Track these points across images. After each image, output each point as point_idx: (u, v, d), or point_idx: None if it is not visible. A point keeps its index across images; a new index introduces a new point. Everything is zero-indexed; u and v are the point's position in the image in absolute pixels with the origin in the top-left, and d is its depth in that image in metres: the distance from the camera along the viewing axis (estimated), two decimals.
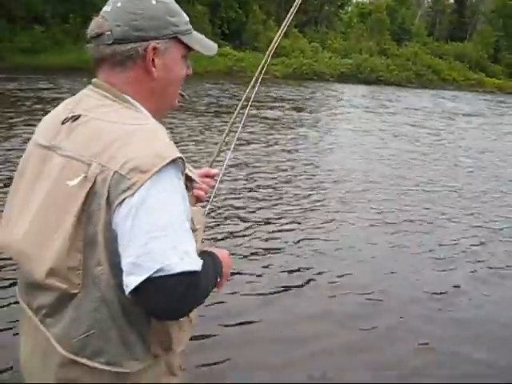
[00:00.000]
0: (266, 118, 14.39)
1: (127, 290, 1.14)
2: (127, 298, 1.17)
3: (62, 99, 1.47)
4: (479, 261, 5.61)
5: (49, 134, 1.33)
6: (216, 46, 1.50)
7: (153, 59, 1.30)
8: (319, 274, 4.93)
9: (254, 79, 1.91)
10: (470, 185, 9.02)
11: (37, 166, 1.32)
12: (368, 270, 5.15)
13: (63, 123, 1.29)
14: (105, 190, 1.16)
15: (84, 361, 1.25)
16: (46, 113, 1.45)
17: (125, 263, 1.14)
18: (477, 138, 14.68)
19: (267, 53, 1.95)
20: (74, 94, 1.41)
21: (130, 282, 1.13)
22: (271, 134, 12.09)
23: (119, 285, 1.17)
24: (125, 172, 1.15)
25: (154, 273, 1.11)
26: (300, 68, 33.75)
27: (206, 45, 1.44)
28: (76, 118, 1.28)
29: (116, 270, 1.18)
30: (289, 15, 2.00)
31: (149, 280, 1.11)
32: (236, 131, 1.94)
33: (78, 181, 1.18)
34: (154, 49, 1.30)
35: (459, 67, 43.80)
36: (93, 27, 1.31)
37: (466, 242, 6.13)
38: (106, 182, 1.16)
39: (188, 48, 1.39)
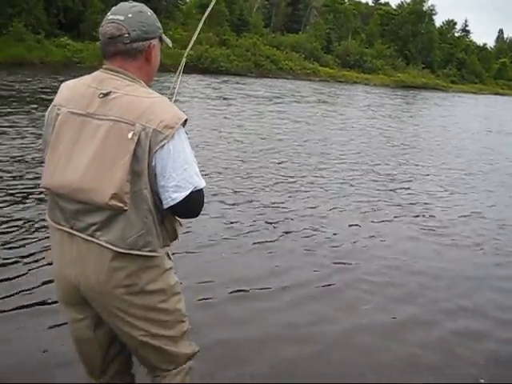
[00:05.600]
0: None
1: (173, 202, 1.78)
2: (162, 208, 1.82)
3: None
4: None
5: (80, 104, 1.82)
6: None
7: (151, 52, 1.89)
8: None
9: (177, 73, 2.40)
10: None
11: (76, 128, 1.80)
12: None
13: (100, 98, 1.79)
14: (147, 141, 1.72)
15: (136, 252, 1.80)
16: None
17: (170, 186, 1.76)
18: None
19: (188, 48, 2.53)
20: None
21: (177, 196, 1.78)
22: None
23: (156, 201, 1.81)
24: (160, 129, 1.73)
25: (192, 190, 1.79)
26: None
27: (168, 40, 2.01)
28: (108, 93, 1.79)
29: (153, 192, 1.79)
30: (206, 14, 2.77)
31: (189, 194, 1.79)
32: None
33: (131, 135, 1.71)
34: (153, 46, 1.89)
35: (295, 57, 45.12)
36: (113, 30, 1.80)
37: None
38: (148, 135, 1.72)
39: (161, 43, 1.98)
